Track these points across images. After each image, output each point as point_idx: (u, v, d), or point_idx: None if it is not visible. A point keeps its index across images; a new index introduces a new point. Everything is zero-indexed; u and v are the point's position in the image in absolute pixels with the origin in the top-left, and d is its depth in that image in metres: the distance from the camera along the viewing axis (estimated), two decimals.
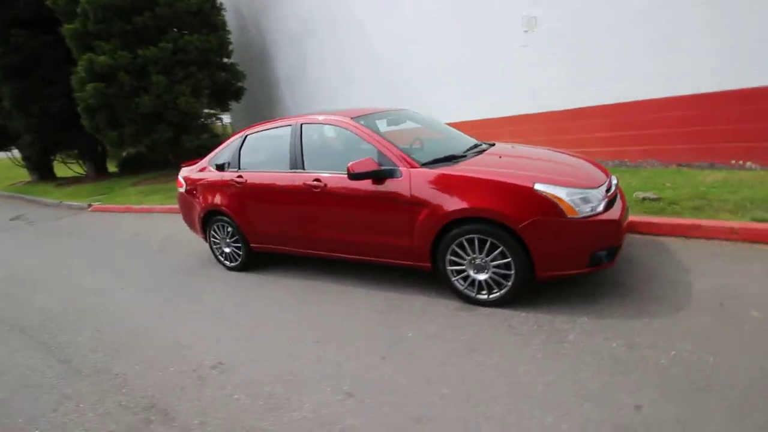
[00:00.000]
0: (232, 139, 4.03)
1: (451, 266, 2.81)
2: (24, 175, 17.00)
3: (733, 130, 4.60)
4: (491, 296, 2.73)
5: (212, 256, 4.56)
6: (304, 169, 3.39)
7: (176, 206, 8.20)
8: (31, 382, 2.67)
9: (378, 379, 2.21)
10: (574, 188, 2.53)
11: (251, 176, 3.70)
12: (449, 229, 2.73)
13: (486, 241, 2.63)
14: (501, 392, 1.98)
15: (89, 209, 9.36)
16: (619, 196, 2.85)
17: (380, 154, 2.98)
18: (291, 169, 3.45)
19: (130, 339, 3.06)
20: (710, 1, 4.49)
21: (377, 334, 2.66)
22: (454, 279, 2.83)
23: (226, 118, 13.98)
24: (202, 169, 4.17)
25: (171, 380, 2.46)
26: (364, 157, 2.94)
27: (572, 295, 2.76)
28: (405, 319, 2.78)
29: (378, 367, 2.31)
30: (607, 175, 2.92)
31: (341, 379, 2.24)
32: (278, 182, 3.50)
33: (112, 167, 15.18)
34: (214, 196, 3.98)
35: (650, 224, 3.69)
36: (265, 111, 13.49)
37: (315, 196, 3.27)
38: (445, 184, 2.73)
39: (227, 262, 4.17)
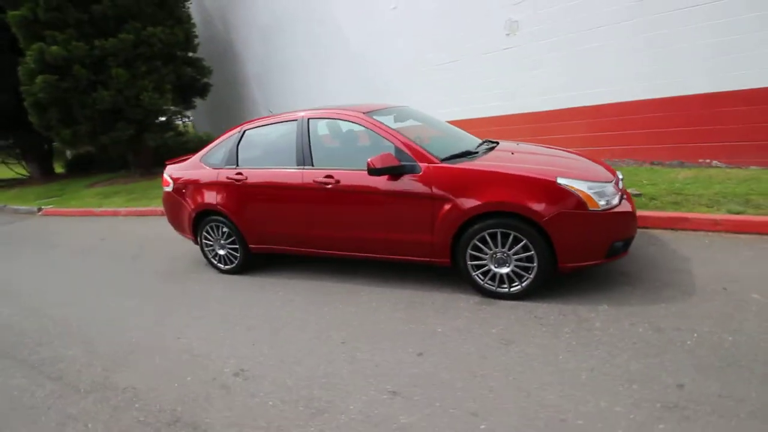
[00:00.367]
0: (227, 134, 3.82)
1: (471, 261, 2.83)
2: None
3: (701, 131, 5.01)
4: (512, 289, 2.77)
5: (200, 259, 4.32)
6: (312, 165, 3.28)
7: (144, 209, 7.73)
8: (21, 404, 2.38)
9: (420, 375, 2.17)
10: (593, 182, 2.64)
11: (252, 173, 3.52)
12: (471, 224, 2.75)
13: (509, 234, 2.67)
14: (548, 381, 2.01)
15: (39, 213, 8.54)
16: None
17: (398, 149, 2.94)
18: (298, 165, 3.33)
19: (130, 350, 2.81)
20: (686, 10, 4.86)
21: (405, 331, 2.62)
22: (474, 274, 2.85)
23: (186, 117, 13.27)
24: (193, 167, 3.92)
25: (191, 391, 2.28)
26: (379, 153, 2.89)
27: (585, 285, 2.87)
28: (429, 315, 2.76)
29: (417, 364, 2.27)
30: (612, 172, 3.07)
31: (381, 378, 2.18)
32: (284, 179, 3.36)
33: (59, 168, 13.95)
34: (207, 195, 3.75)
35: (640, 217, 3.91)
36: (232, 110, 12.99)
37: (326, 193, 3.17)
38: (467, 179, 2.74)
39: (221, 265, 3.95)
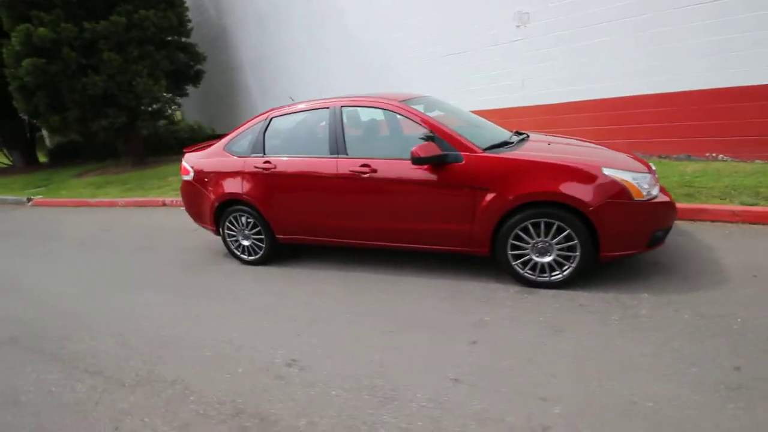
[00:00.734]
0: (252, 122, 3.72)
1: (512, 250, 2.86)
2: None
3: (706, 126, 5.16)
4: (553, 278, 2.82)
5: (217, 250, 4.27)
6: (347, 154, 3.24)
7: (143, 199, 7.49)
8: (65, 400, 2.30)
9: (479, 363, 2.19)
10: (636, 172, 2.69)
11: (282, 162, 3.45)
12: (513, 213, 2.78)
13: (552, 224, 2.70)
14: (610, 367, 2.06)
15: (29, 204, 8.18)
16: None
17: (439, 139, 2.93)
18: (331, 154, 3.28)
19: (168, 343, 2.74)
20: (691, 7, 4.96)
21: (453, 320, 2.63)
22: (514, 263, 2.89)
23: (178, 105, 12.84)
24: (216, 155, 3.81)
25: (246, 382, 2.25)
26: (416, 142, 2.88)
27: (621, 274, 2.94)
28: (473, 305, 2.78)
29: (473, 352, 2.29)
30: (646, 164, 3.13)
31: (440, 367, 2.19)
32: (317, 168, 3.30)
33: (42, 157, 13.35)
34: (232, 184, 3.66)
35: None
36: (223, 97, 12.67)
37: (362, 182, 3.14)
38: (512, 169, 2.76)
39: (245, 256, 3.88)
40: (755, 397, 1.78)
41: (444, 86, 7.22)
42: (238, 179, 3.63)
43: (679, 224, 3.82)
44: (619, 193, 2.58)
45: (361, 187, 3.16)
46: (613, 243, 2.65)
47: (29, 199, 8.23)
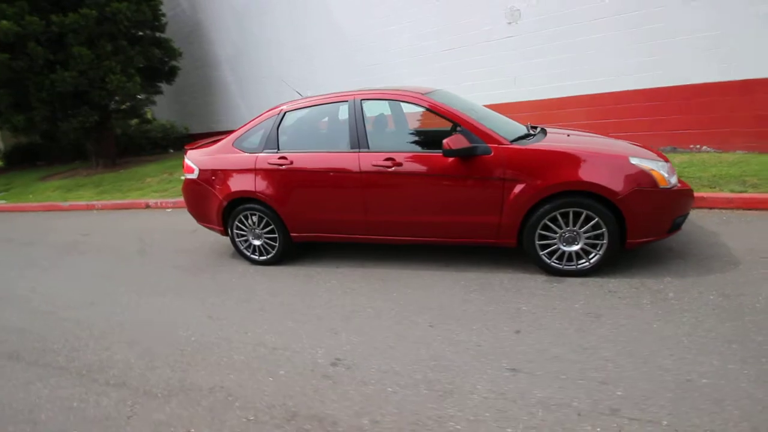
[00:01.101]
0: (263, 117, 3.58)
1: (539, 240, 2.90)
2: None
3: (691, 120, 5.45)
4: (580, 266, 2.88)
5: (222, 251, 4.15)
6: (368, 148, 3.18)
7: (123, 201, 7.09)
8: (91, 416, 2.12)
9: (530, 351, 2.20)
10: (659, 161, 2.79)
11: (299, 158, 3.34)
12: (542, 204, 2.81)
13: (580, 213, 2.76)
14: (655, 347, 2.13)
15: None
16: None
17: (466, 131, 2.93)
18: (352, 148, 3.21)
19: (191, 348, 2.60)
20: (676, 6, 5.22)
21: (490, 311, 2.64)
22: (541, 253, 2.93)
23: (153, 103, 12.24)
24: (223, 151, 3.65)
25: (292, 384, 2.16)
26: (439, 135, 2.87)
27: (640, 260, 3.04)
28: (505, 295, 2.80)
29: (521, 341, 2.30)
30: (661, 155, 3.25)
31: (492, 357, 2.19)
32: (338, 163, 3.22)
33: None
34: (243, 182, 3.52)
35: None
36: (198, 95, 12.20)
37: (387, 177, 3.09)
38: (541, 160, 2.79)
39: (255, 256, 3.74)
40: None
41: (437, 82, 7.23)
42: (250, 176, 3.49)
43: None
44: (645, 181, 2.66)
45: (386, 181, 3.11)
46: (639, 230, 2.74)
47: None
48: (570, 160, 2.74)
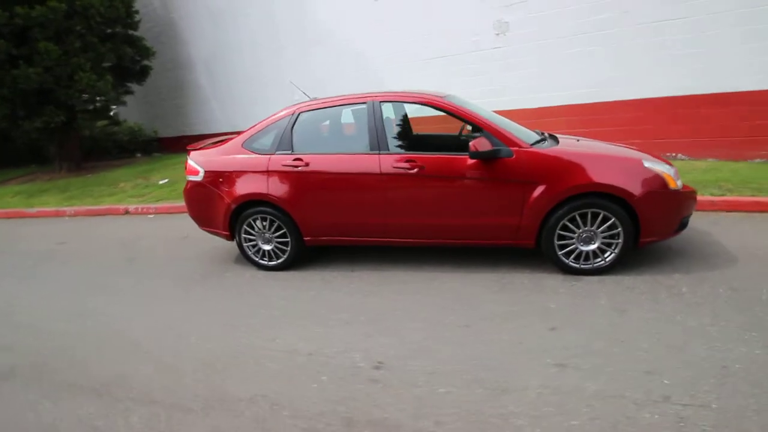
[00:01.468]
0: (274, 117, 3.49)
1: (558, 240, 3.00)
2: None
3: (667, 129, 5.86)
4: (596, 265, 3.00)
5: (223, 258, 4.01)
6: (388, 150, 3.17)
7: (98, 207, 6.63)
8: None
9: (571, 347, 2.26)
10: (668, 165, 2.97)
11: (316, 159, 3.28)
12: (562, 205, 2.92)
13: (598, 214, 2.89)
14: (686, 338, 2.24)
15: None
16: None
17: (488, 134, 2.99)
18: (372, 150, 3.18)
19: (218, 358, 2.46)
20: (658, 23, 5.63)
21: (519, 310, 2.68)
22: (560, 253, 3.03)
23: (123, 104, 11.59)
24: (233, 152, 3.51)
25: (339, 390, 2.09)
26: (459, 137, 2.92)
27: (648, 258, 3.20)
28: (529, 295, 2.86)
29: (558, 337, 2.36)
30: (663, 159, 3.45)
31: (536, 355, 2.22)
32: (358, 165, 3.19)
33: None
34: (254, 184, 3.40)
35: None
36: (171, 97, 11.69)
37: (408, 179, 3.09)
38: (561, 162, 2.89)
39: (265, 261, 3.61)
40: None
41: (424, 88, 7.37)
42: (263, 178, 3.37)
43: None
44: (658, 183, 2.83)
45: (408, 183, 3.11)
46: (651, 229, 2.90)
47: None
48: (589, 163, 2.87)
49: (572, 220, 2.93)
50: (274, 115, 3.52)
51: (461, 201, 3.08)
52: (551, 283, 3.00)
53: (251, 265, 3.71)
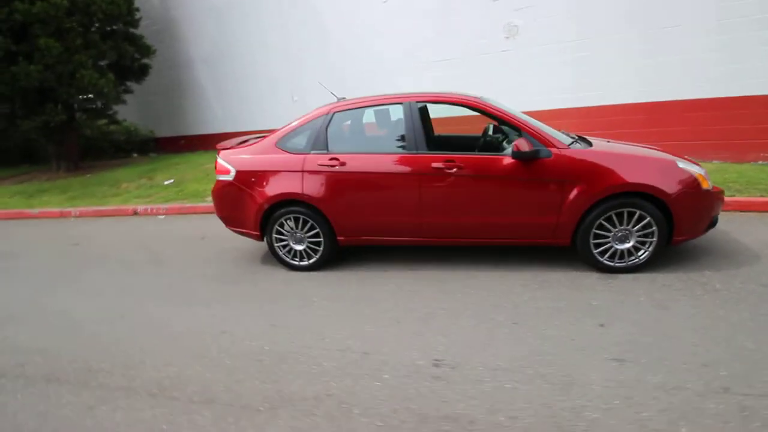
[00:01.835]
0: (309, 116, 3.48)
1: (594, 239, 3.08)
2: None
3: (671, 132, 6.04)
4: (630, 263, 3.09)
5: (251, 258, 4.01)
6: (426, 150, 3.20)
7: (105, 208, 6.50)
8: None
9: (623, 342, 2.32)
10: (696, 166, 3.08)
11: (353, 159, 3.29)
12: (599, 204, 2.99)
13: (634, 213, 2.97)
14: (732, 331, 2.33)
15: None
16: None
17: (528, 135, 3.05)
18: (409, 150, 3.21)
19: (274, 358, 2.45)
20: (670, 29, 5.81)
21: (563, 307, 2.74)
22: (595, 251, 3.10)
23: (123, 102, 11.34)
24: (266, 152, 3.50)
25: (405, 387, 2.11)
26: (495, 138, 2.98)
27: (675, 257, 3.31)
28: (566, 293, 2.93)
29: (609, 333, 2.42)
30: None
31: (591, 350, 2.28)
32: (396, 165, 3.21)
33: None
34: (288, 184, 3.39)
35: None
36: (170, 97, 11.50)
37: (448, 178, 3.13)
38: (599, 163, 2.97)
39: (296, 261, 3.60)
40: None
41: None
42: (297, 178, 3.37)
43: None
44: (692, 183, 2.93)
45: (446, 183, 3.15)
46: (684, 228, 3.00)
47: None
48: (626, 164, 2.96)
49: (608, 219, 3.02)
50: (308, 114, 3.52)
51: (500, 200, 3.13)
52: (587, 281, 3.07)
53: (279, 266, 3.70)
